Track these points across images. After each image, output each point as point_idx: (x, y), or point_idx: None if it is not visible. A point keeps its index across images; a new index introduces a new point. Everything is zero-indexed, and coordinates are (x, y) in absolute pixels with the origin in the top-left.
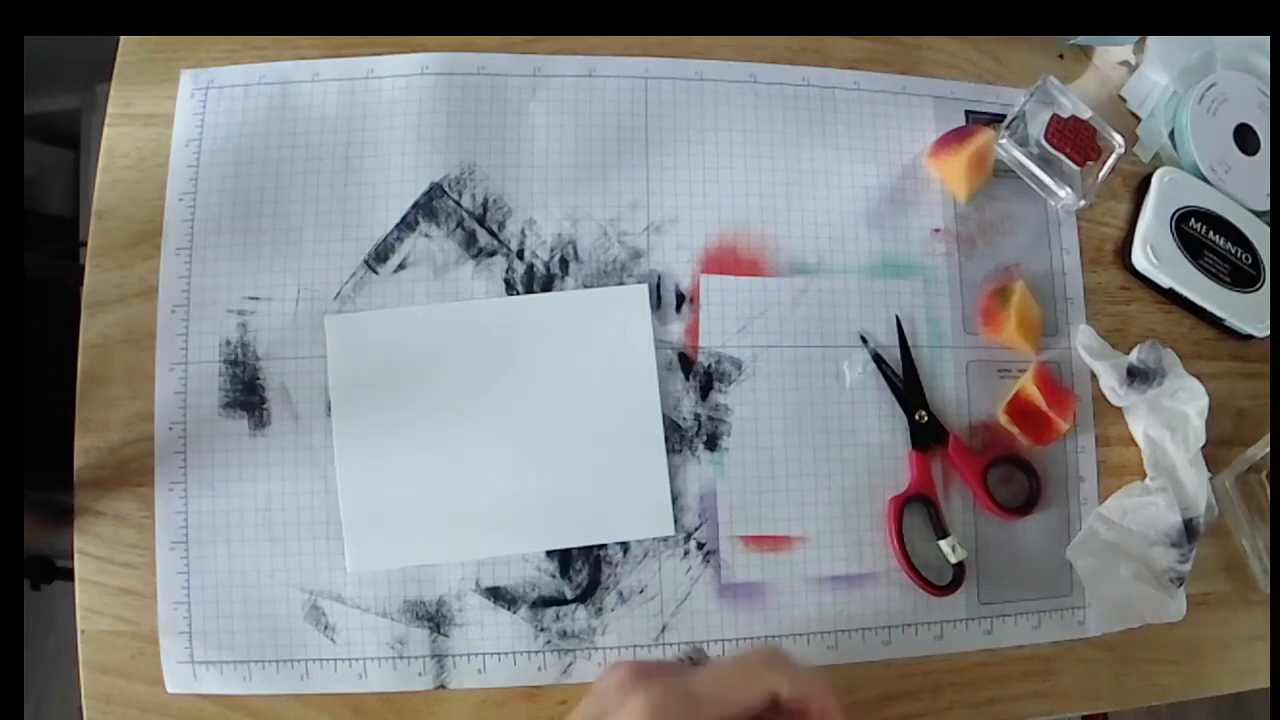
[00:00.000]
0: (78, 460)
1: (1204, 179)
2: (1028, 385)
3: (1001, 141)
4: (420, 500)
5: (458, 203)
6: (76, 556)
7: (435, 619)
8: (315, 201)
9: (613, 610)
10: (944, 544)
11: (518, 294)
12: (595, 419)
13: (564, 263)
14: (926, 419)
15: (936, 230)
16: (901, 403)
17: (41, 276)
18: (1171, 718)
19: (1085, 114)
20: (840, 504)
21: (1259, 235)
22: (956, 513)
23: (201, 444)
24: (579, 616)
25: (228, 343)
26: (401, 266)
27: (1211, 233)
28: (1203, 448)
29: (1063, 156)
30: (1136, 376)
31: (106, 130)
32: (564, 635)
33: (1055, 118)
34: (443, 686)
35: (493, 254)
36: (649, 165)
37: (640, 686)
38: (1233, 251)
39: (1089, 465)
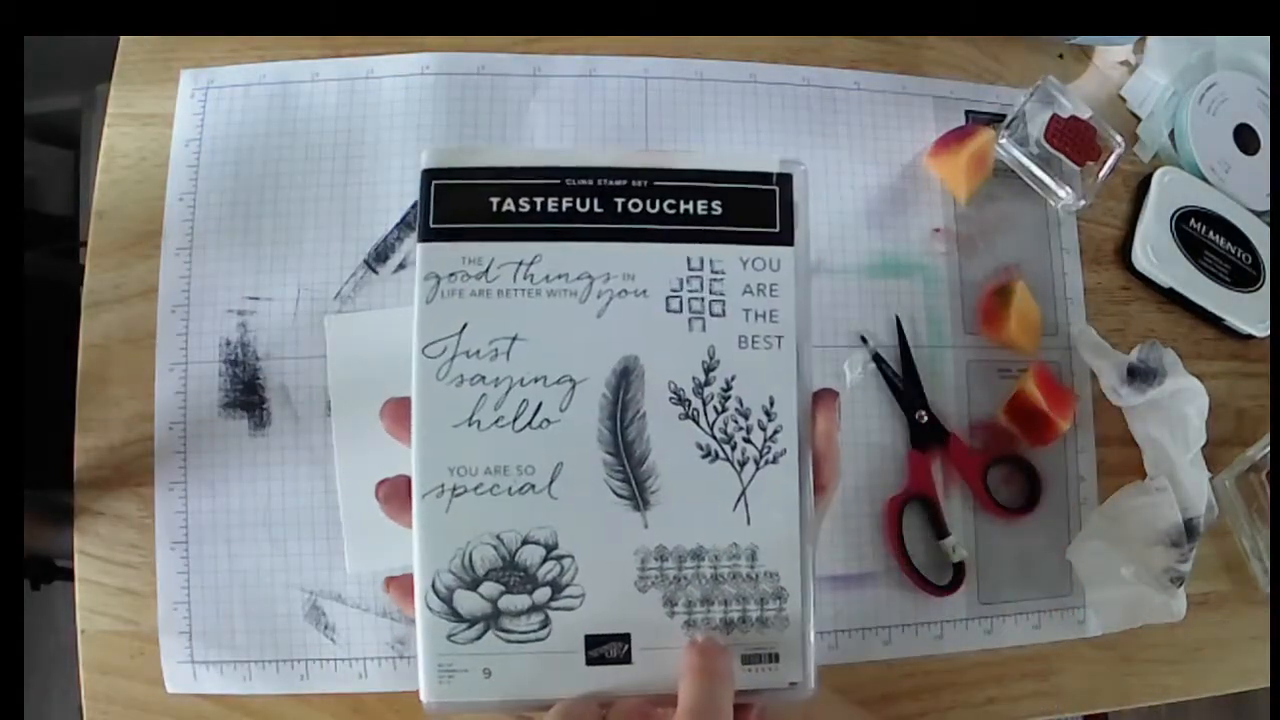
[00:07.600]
0: (78, 460)
1: (1204, 179)
2: (1028, 385)
3: (1001, 141)
4: None
5: None
6: (76, 556)
7: None
8: (315, 201)
9: None
10: (944, 544)
11: None
12: None
13: None
14: (926, 419)
15: (936, 230)
16: (901, 403)
17: (41, 276)
18: (1171, 718)
19: (1085, 114)
20: (840, 504)
21: (1259, 235)
22: (956, 513)
23: (201, 444)
24: None
25: (228, 343)
26: (401, 266)
27: (1211, 233)
28: (1203, 448)
29: (1063, 156)
30: (1136, 376)
31: (106, 130)
32: None
33: (1055, 118)
34: None
35: None
36: None
37: None
38: (1233, 251)
39: (1089, 465)
